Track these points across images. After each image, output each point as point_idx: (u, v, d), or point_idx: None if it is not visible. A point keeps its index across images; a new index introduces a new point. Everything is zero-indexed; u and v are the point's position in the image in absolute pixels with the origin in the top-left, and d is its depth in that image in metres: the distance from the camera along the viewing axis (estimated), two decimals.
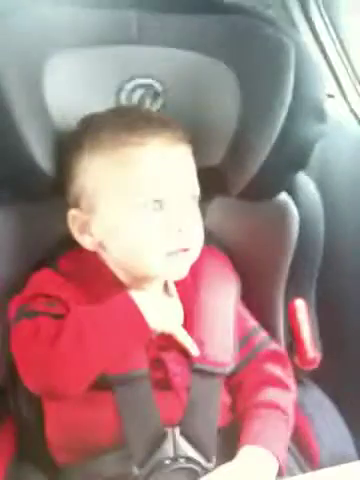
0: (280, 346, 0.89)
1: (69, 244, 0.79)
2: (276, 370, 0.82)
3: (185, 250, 0.75)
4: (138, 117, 0.76)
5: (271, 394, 0.79)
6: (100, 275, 0.77)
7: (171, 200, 0.73)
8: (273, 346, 0.85)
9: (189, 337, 0.77)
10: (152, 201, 0.73)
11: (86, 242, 0.77)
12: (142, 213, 0.73)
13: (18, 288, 0.79)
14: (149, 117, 0.77)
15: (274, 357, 0.84)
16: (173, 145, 0.74)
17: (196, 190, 0.77)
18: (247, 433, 0.75)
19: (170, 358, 0.76)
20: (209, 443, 0.74)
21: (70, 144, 0.77)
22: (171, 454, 0.72)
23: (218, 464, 0.73)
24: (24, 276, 0.79)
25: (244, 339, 0.83)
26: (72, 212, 0.77)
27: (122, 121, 0.75)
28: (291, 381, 0.83)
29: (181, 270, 0.77)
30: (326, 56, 1.18)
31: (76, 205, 0.77)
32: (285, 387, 0.81)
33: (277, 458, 0.73)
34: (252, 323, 0.86)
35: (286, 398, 0.80)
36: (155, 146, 0.73)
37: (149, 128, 0.74)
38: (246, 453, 0.72)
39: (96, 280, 0.77)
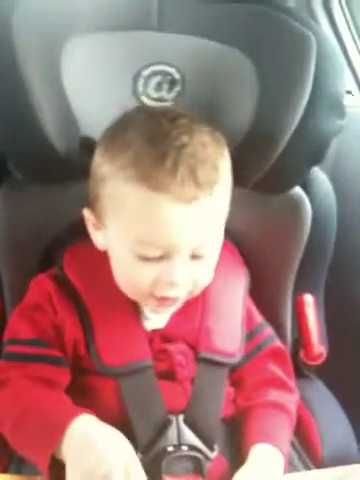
0: (285, 342, 0.89)
1: (80, 231, 0.78)
2: (278, 371, 0.82)
3: (170, 300, 0.73)
4: (169, 150, 0.66)
5: (276, 395, 0.79)
6: (103, 276, 0.76)
7: (170, 255, 0.69)
8: (277, 344, 0.85)
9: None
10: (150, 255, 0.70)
11: (97, 240, 0.76)
12: (138, 260, 0.70)
13: (29, 271, 0.79)
14: (180, 154, 0.67)
15: (277, 356, 0.84)
16: (192, 200, 0.67)
17: (201, 244, 0.70)
18: (257, 431, 0.75)
19: (175, 349, 0.76)
20: (212, 432, 0.74)
21: (98, 141, 0.73)
22: (175, 441, 0.72)
23: (220, 454, 0.73)
24: (35, 257, 0.80)
25: (250, 334, 0.83)
26: (86, 211, 0.75)
27: (154, 152, 0.66)
28: (292, 382, 0.83)
29: (163, 311, 0.76)
30: (345, 51, 1.17)
31: (91, 205, 0.74)
32: (288, 389, 0.81)
33: (285, 457, 0.73)
34: (259, 319, 0.85)
35: (290, 400, 0.80)
36: (172, 200, 0.66)
37: (175, 172, 0.66)
38: (261, 451, 0.72)
39: (99, 280, 0.76)
